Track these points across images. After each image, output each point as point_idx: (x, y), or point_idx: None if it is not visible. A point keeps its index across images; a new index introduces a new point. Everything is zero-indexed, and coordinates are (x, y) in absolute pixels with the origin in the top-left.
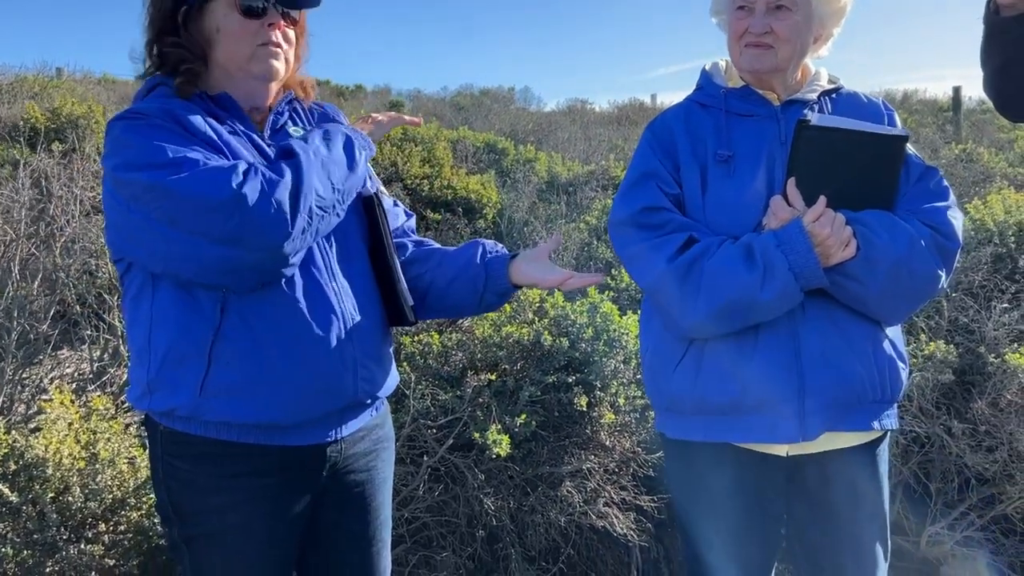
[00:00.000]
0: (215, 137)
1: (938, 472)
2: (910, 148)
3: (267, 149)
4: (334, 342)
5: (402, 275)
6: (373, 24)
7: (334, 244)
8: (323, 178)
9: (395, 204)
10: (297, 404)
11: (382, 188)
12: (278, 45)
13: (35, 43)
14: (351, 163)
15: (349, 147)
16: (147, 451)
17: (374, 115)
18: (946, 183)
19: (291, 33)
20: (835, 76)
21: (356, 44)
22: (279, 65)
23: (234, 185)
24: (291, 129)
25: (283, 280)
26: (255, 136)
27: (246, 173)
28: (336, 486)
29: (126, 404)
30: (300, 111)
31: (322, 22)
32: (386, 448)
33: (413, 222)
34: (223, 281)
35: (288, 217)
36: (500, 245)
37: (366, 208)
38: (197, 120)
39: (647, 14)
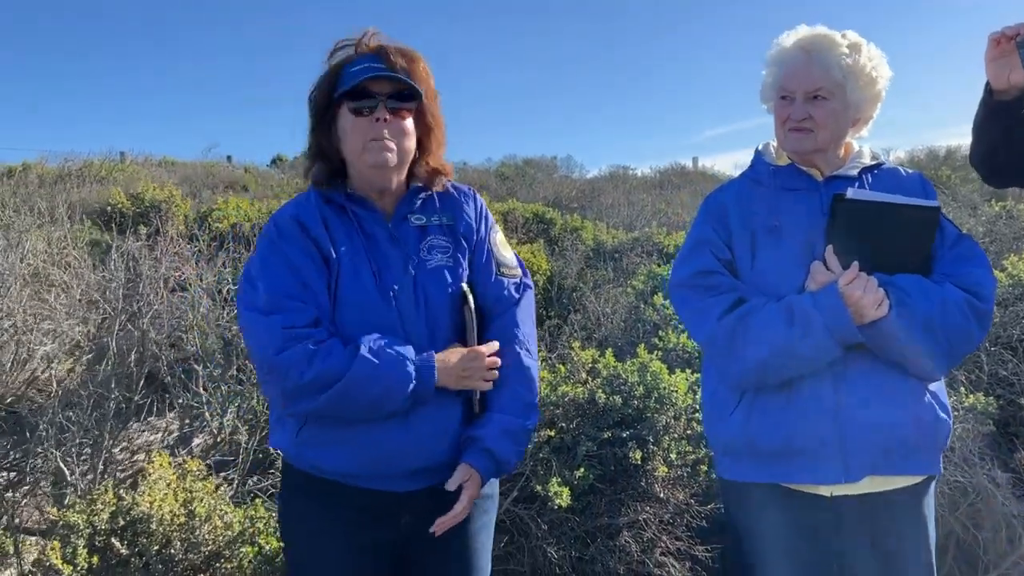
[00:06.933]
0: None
1: (987, 522)
2: (946, 217)
3: (387, 243)
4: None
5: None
6: None
7: (424, 317)
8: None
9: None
10: (373, 465)
11: (504, 252)
12: (384, 139)
13: (93, 129)
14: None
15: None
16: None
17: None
18: (980, 249)
19: (407, 124)
20: (877, 152)
21: None
22: (389, 156)
23: (284, 349)
24: (412, 218)
25: None
26: (378, 228)
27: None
28: (422, 535)
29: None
30: (429, 200)
31: None
32: (477, 505)
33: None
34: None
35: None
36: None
37: (453, 300)
38: (316, 232)
39: (691, 77)
